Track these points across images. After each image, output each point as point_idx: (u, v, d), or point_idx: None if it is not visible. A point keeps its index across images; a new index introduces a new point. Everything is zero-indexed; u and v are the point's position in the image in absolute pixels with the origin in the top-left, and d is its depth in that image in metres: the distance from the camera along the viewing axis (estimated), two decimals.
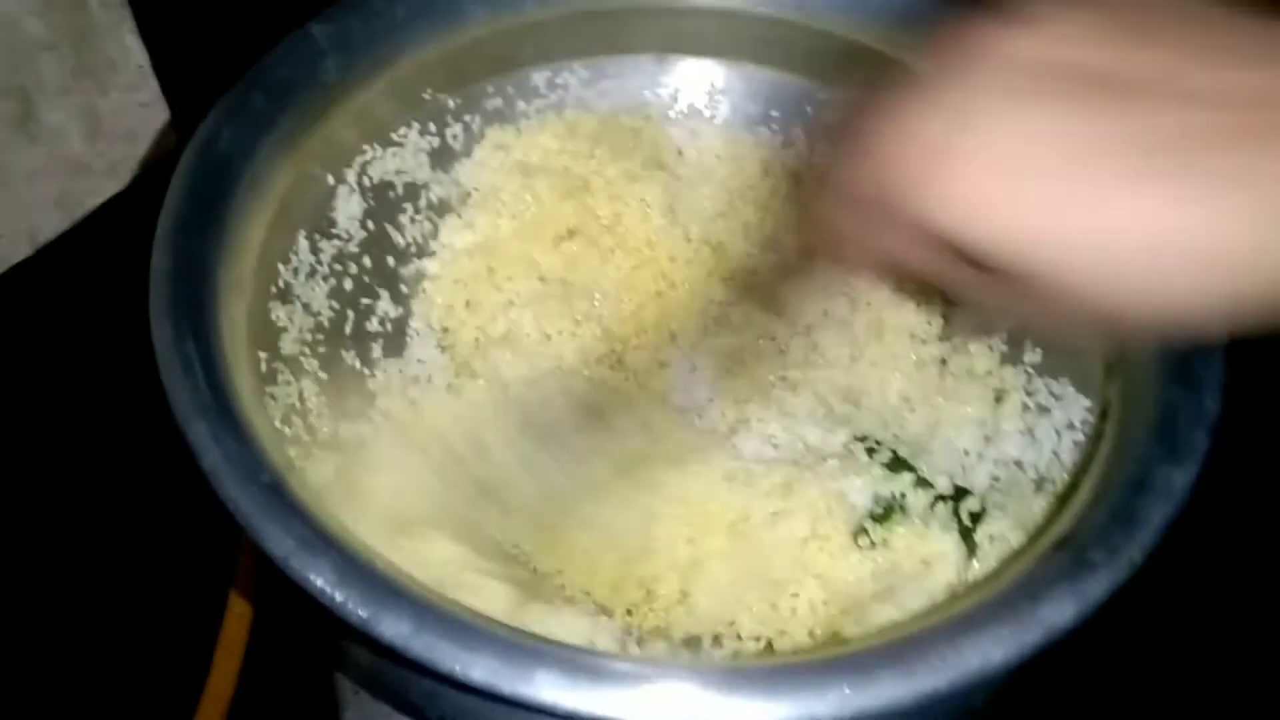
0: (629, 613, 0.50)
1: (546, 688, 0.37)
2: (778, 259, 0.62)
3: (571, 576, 0.50)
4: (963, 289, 0.36)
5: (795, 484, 0.52)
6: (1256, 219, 0.29)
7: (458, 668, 0.37)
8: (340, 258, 0.58)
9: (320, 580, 0.38)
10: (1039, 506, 0.49)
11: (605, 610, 0.49)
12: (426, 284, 0.61)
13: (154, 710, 0.55)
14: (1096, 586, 0.39)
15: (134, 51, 0.71)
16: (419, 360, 0.59)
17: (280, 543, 0.39)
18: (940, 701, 0.38)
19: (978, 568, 0.49)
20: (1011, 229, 0.31)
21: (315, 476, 0.48)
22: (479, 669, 0.37)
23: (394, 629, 0.38)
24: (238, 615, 0.53)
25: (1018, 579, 0.41)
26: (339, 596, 0.38)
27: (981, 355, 0.57)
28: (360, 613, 0.38)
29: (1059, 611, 0.39)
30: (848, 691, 0.37)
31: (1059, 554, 0.41)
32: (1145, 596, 0.43)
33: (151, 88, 0.73)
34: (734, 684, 0.37)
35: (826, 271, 0.50)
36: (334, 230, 0.58)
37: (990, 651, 0.38)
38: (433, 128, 0.62)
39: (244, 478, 0.41)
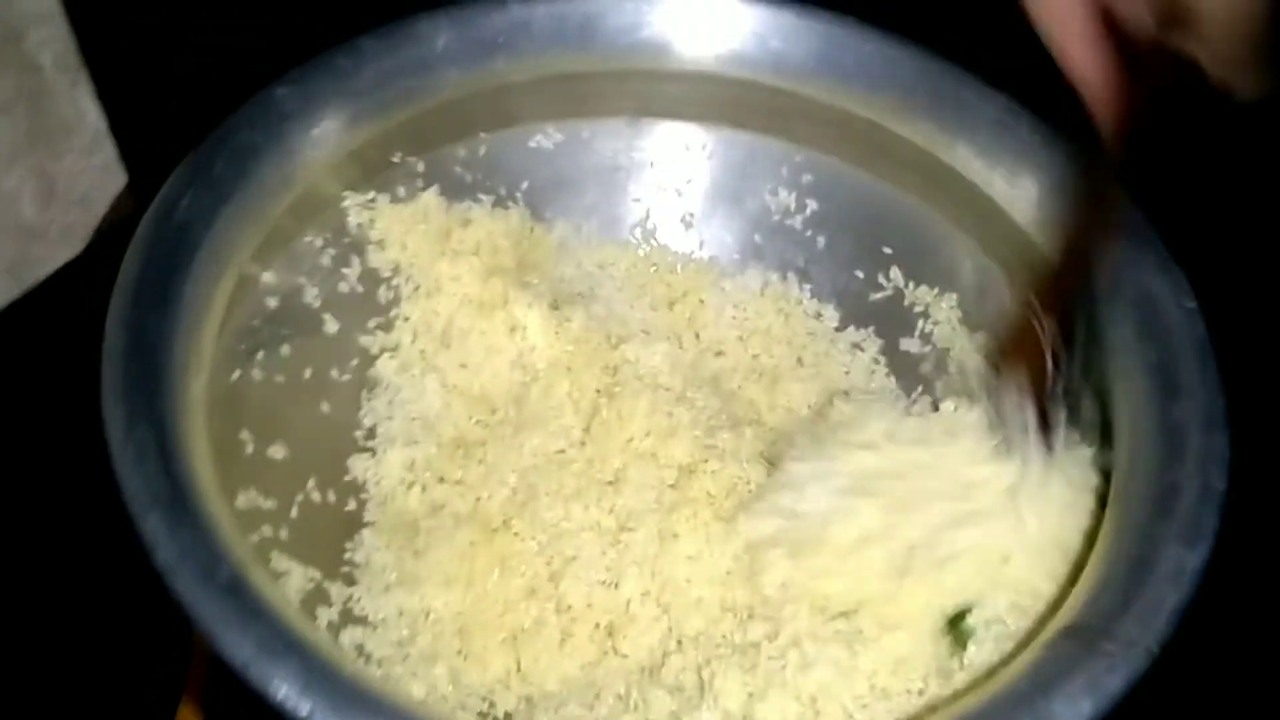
0: None
1: None
2: None
3: None
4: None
5: None
6: None
7: None
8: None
9: (284, 689, 0.35)
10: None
11: None
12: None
13: None
14: (1114, 680, 0.37)
15: (90, 114, 0.69)
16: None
17: (238, 647, 0.36)
18: None
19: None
20: None
21: None
22: None
23: None
24: None
25: (1028, 670, 0.38)
26: (304, 708, 0.35)
27: None
28: None
29: (1075, 708, 0.37)
30: None
31: (1069, 643, 0.39)
32: None
33: (108, 151, 0.70)
34: None
35: None
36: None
37: None
38: (401, 192, 0.60)
39: (200, 574, 0.38)
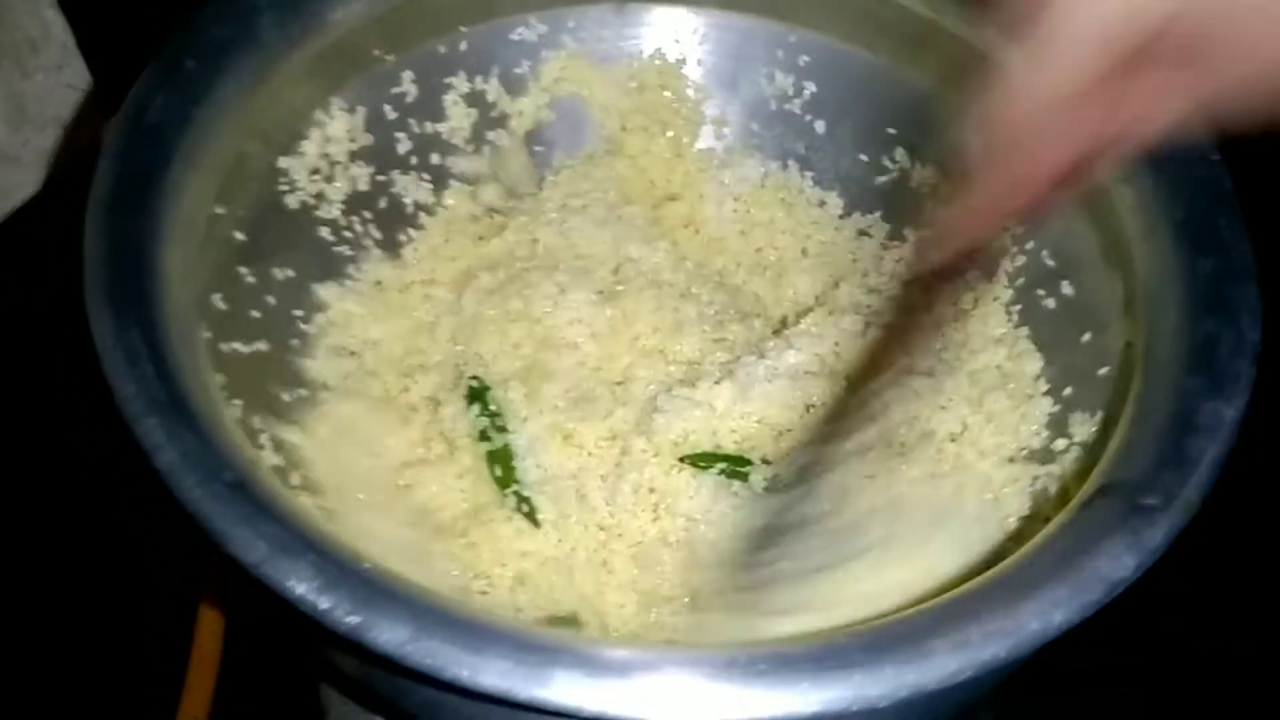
0: None
1: (566, 689, 0.33)
2: None
3: None
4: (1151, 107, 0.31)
5: None
6: None
7: (465, 674, 0.33)
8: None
9: (301, 586, 0.34)
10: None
11: None
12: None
13: None
14: (1155, 534, 0.36)
15: (56, 28, 0.65)
16: None
17: (252, 547, 0.35)
18: (995, 672, 0.35)
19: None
20: None
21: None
22: (490, 674, 0.33)
23: (390, 635, 0.33)
24: (210, 628, 0.49)
25: (1069, 530, 0.37)
26: (324, 603, 0.34)
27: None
28: (350, 620, 0.34)
29: (1119, 564, 0.36)
30: (899, 669, 0.33)
31: (1108, 501, 0.38)
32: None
33: (77, 67, 0.67)
34: (774, 669, 0.34)
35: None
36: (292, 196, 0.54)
37: (1050, 614, 0.35)
38: (385, 89, 0.58)
39: (205, 477, 0.36)
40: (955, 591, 0.36)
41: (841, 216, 0.63)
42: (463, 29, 0.60)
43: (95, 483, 0.56)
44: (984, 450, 0.51)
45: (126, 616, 0.53)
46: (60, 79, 0.67)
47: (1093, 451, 0.45)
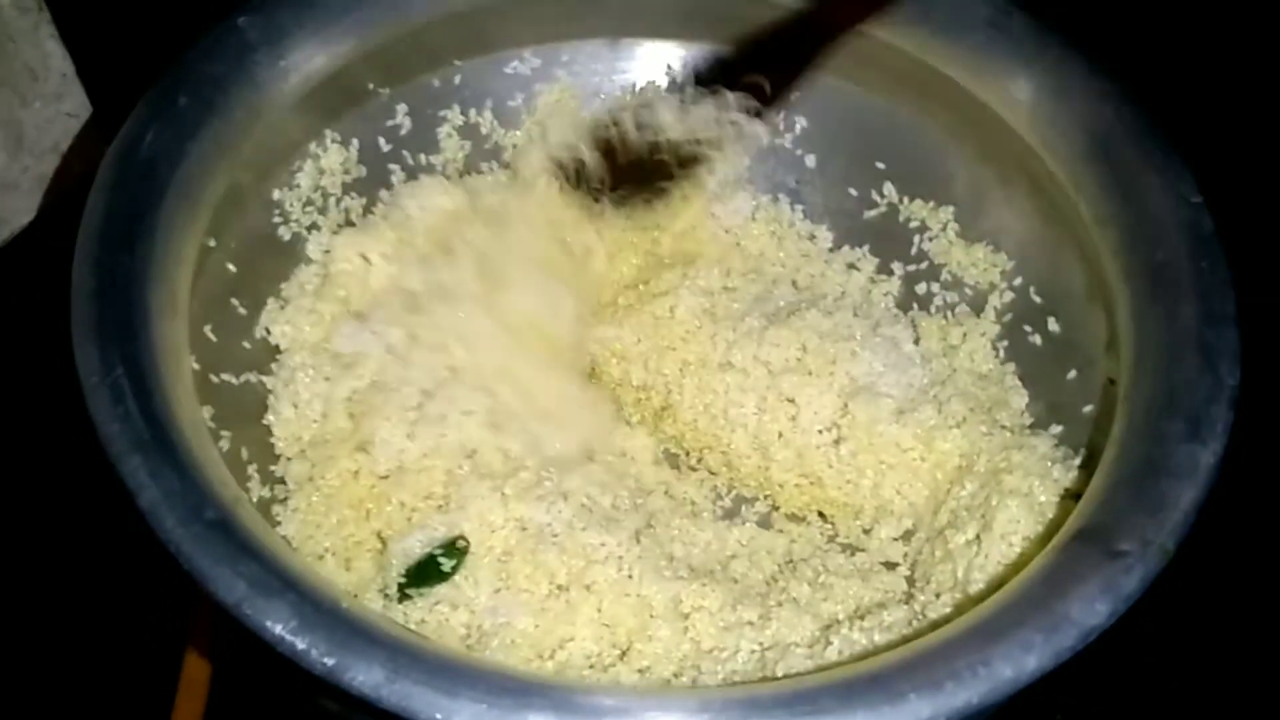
0: None
1: None
2: None
3: None
4: None
5: None
6: None
7: (439, 717, 0.33)
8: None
9: (279, 627, 0.34)
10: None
11: None
12: None
13: None
14: (1130, 581, 0.36)
15: (55, 58, 0.66)
16: None
17: (231, 587, 0.35)
18: (969, 717, 0.35)
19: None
20: None
21: None
22: (464, 717, 0.33)
23: (365, 677, 0.34)
24: (195, 674, 0.49)
25: (1043, 575, 0.37)
26: (301, 644, 0.34)
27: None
28: (326, 661, 0.34)
29: (1092, 611, 0.36)
30: (870, 715, 0.33)
31: (1084, 546, 0.38)
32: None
33: (77, 96, 0.68)
34: (745, 713, 0.34)
35: None
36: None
37: (1022, 660, 0.35)
38: (380, 122, 0.58)
39: (186, 516, 0.36)
40: (929, 636, 0.36)
41: (831, 250, 0.63)
42: (457, 62, 0.60)
43: (83, 517, 0.56)
44: None
45: (114, 655, 0.53)
46: (60, 108, 0.68)
47: (1075, 494, 0.45)
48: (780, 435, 0.55)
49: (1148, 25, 0.62)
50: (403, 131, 0.60)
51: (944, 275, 0.60)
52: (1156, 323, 0.45)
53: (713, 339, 0.57)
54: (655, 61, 0.63)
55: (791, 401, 0.55)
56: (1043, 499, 0.47)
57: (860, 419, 0.54)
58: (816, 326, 0.57)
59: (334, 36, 0.54)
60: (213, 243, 0.50)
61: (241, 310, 0.53)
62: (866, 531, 0.54)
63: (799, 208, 0.64)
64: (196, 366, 0.46)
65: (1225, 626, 0.54)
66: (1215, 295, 0.44)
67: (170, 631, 0.51)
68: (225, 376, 0.50)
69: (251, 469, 0.49)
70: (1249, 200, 0.51)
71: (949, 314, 0.60)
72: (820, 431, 0.54)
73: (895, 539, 0.53)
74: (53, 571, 0.55)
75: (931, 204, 0.61)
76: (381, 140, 0.59)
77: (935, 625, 0.39)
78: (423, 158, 0.61)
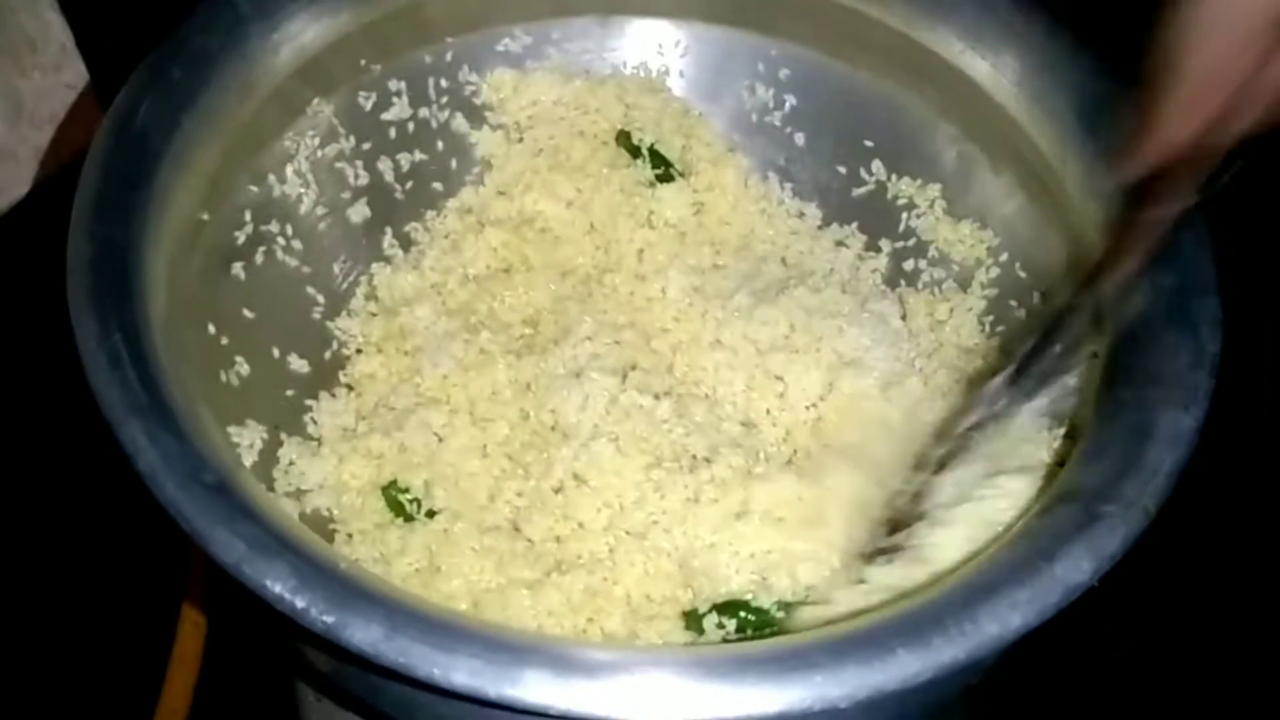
0: None
1: (535, 688, 0.34)
2: None
3: None
4: None
5: None
6: None
7: (436, 672, 0.34)
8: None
9: (278, 586, 0.35)
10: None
11: None
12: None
13: None
14: (1112, 541, 0.37)
15: (55, 28, 0.66)
16: None
17: (230, 547, 0.35)
18: (957, 673, 0.36)
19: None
20: None
21: None
22: (461, 672, 0.34)
23: (364, 634, 0.34)
24: (191, 626, 0.49)
25: (1028, 536, 0.38)
26: (300, 602, 0.34)
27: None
28: (325, 619, 0.34)
29: (1076, 569, 0.37)
30: (860, 670, 0.34)
31: (1068, 507, 0.39)
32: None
33: (76, 67, 0.68)
34: (739, 669, 0.35)
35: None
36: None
37: (1008, 617, 0.36)
38: (369, 98, 0.58)
39: (185, 479, 0.37)
40: (917, 597, 0.37)
41: (819, 227, 0.64)
42: (449, 39, 0.61)
43: (81, 482, 0.56)
44: None
45: (109, 614, 0.54)
46: (59, 78, 0.68)
47: (1058, 459, 0.46)
48: (768, 412, 0.56)
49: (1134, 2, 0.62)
50: (393, 106, 0.60)
51: (931, 252, 0.61)
52: (1139, 292, 0.46)
53: (703, 317, 0.58)
54: (646, 39, 0.64)
55: (779, 379, 0.56)
56: (1028, 468, 0.47)
57: (846, 393, 0.54)
58: (804, 303, 0.57)
59: (326, 11, 0.55)
60: (205, 215, 0.51)
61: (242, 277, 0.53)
62: None
63: (788, 185, 0.64)
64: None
65: (1206, 589, 0.56)
66: (1197, 265, 0.45)
67: (164, 590, 0.51)
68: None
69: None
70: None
71: (936, 290, 0.60)
72: (807, 407, 0.55)
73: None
74: (50, 537, 0.56)
75: (919, 181, 0.61)
76: (372, 114, 0.59)
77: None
78: (411, 132, 0.61)
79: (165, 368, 0.40)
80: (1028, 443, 0.47)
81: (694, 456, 0.51)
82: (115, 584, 0.55)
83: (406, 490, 0.50)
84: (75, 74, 0.68)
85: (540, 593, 0.45)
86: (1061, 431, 0.49)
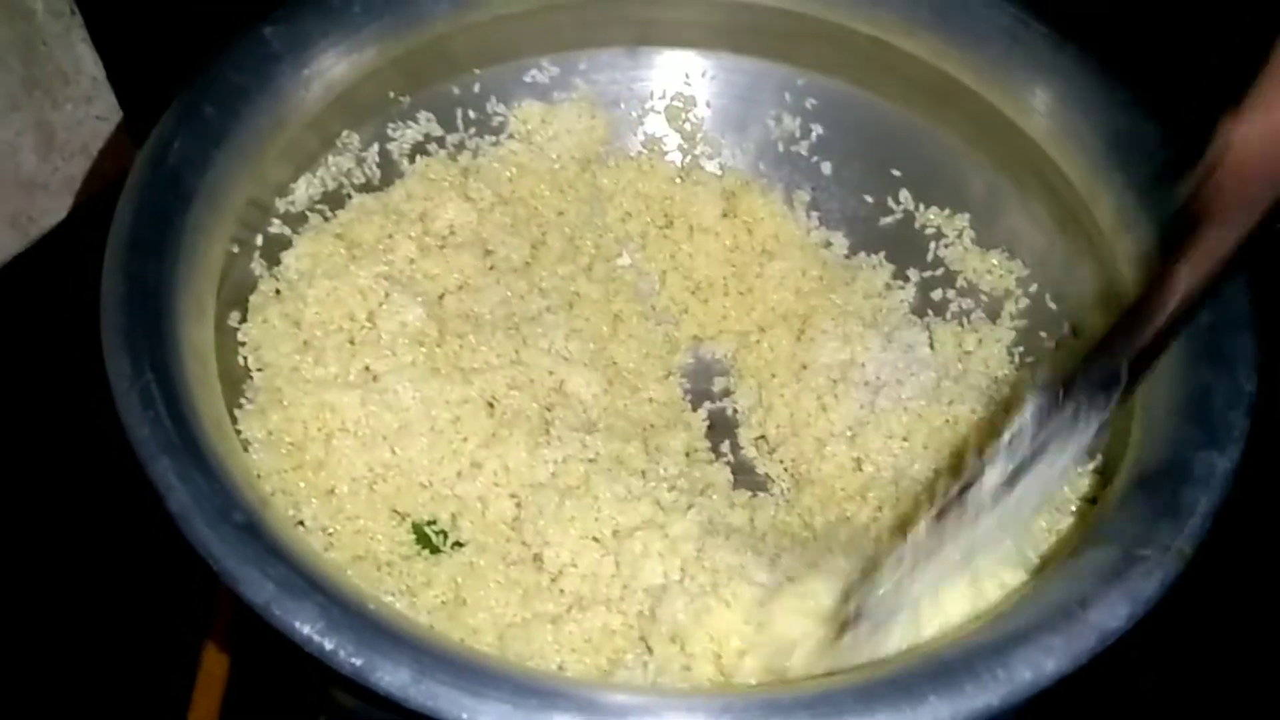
0: None
1: None
2: None
3: None
4: None
5: None
6: None
7: (465, 716, 0.34)
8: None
9: (307, 627, 0.35)
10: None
11: None
12: None
13: None
14: (1149, 586, 0.37)
15: (87, 61, 0.67)
16: None
17: (259, 588, 0.35)
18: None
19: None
20: None
21: None
22: (490, 717, 0.33)
23: (392, 677, 0.34)
24: (214, 664, 0.49)
25: (1064, 580, 0.38)
26: (329, 644, 0.35)
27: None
28: (354, 660, 0.34)
29: (1112, 614, 0.36)
30: (891, 715, 0.34)
31: (1103, 550, 0.38)
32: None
33: (107, 100, 0.69)
34: (767, 713, 0.34)
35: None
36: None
37: (1042, 663, 0.35)
38: (396, 131, 0.59)
39: (215, 518, 0.37)
40: (950, 639, 0.36)
41: (846, 256, 0.63)
42: (476, 71, 0.61)
43: (109, 515, 0.56)
44: None
45: (134, 651, 0.54)
46: (90, 110, 0.69)
47: (1091, 499, 0.45)
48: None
49: (1164, 34, 0.61)
50: (421, 138, 0.60)
51: (959, 282, 0.60)
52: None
53: None
54: (674, 70, 0.64)
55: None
56: (1059, 504, 0.47)
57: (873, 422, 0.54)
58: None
59: (356, 45, 0.55)
60: (236, 249, 0.51)
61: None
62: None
63: (814, 214, 0.64)
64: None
65: (1240, 631, 0.55)
66: (1231, 301, 0.45)
67: (190, 626, 0.51)
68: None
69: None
70: None
71: (964, 320, 0.60)
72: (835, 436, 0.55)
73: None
74: (77, 568, 0.56)
75: (947, 211, 0.61)
76: (400, 146, 0.60)
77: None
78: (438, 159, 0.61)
79: (197, 405, 0.41)
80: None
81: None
82: (140, 620, 0.55)
83: (434, 522, 0.50)
84: (106, 106, 0.69)
85: (562, 628, 0.45)
86: (1092, 467, 0.48)
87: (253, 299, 0.52)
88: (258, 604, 0.35)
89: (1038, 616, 0.37)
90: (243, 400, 0.48)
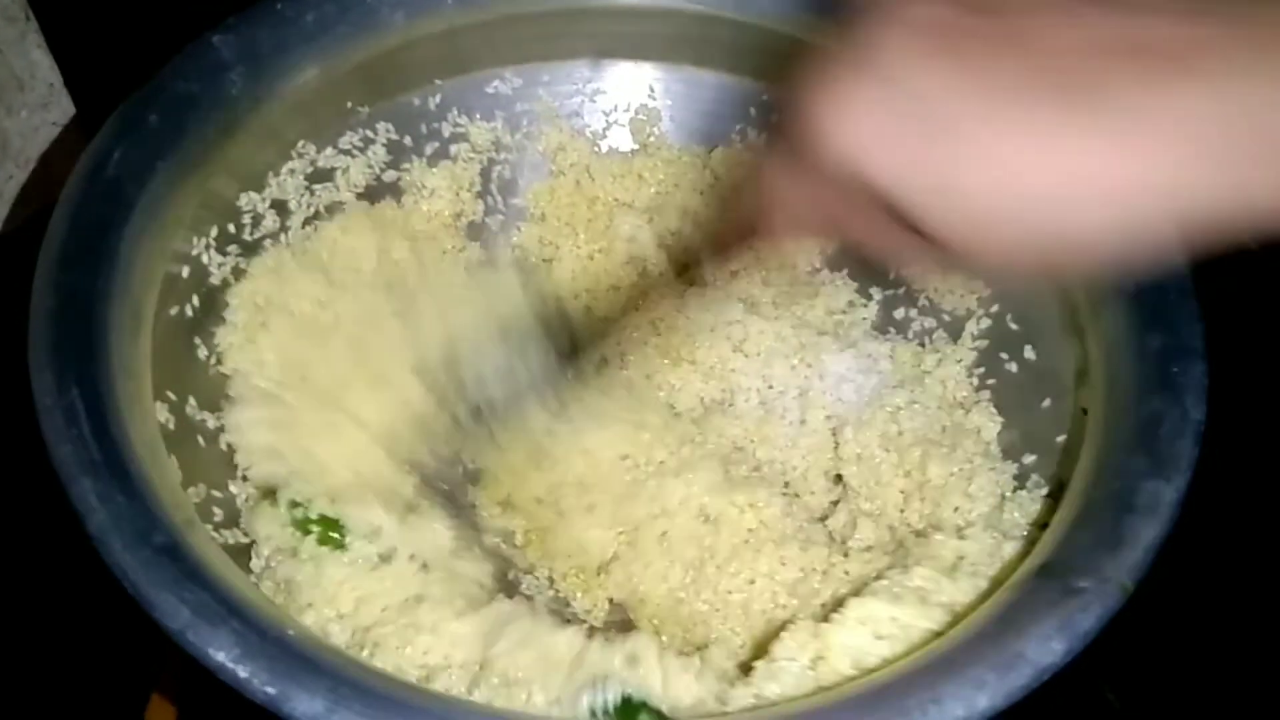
0: None
1: None
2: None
3: None
4: (892, 249, 0.34)
5: None
6: (1159, 159, 0.27)
7: None
8: None
9: (221, 654, 0.34)
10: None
11: None
12: None
13: None
14: (1087, 619, 0.36)
15: (43, 67, 0.66)
16: None
17: (175, 613, 0.35)
18: None
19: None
20: (913, 170, 0.30)
21: None
22: None
23: (306, 707, 0.33)
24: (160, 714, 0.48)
25: (999, 612, 0.37)
26: (243, 672, 0.34)
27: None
28: (268, 690, 0.34)
29: (1047, 649, 0.35)
30: None
31: (1042, 582, 0.38)
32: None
33: (64, 106, 0.68)
34: None
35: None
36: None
37: (974, 698, 0.34)
38: (353, 141, 0.58)
39: (134, 540, 0.36)
40: (880, 673, 0.35)
41: (810, 273, 0.63)
42: (438, 81, 0.60)
43: (54, 548, 0.54)
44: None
45: (78, 702, 0.52)
46: (46, 117, 0.68)
47: (1042, 524, 0.44)
48: None
49: None
50: (381, 149, 0.60)
51: (921, 301, 0.60)
52: (1126, 354, 0.45)
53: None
54: (638, 83, 0.63)
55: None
56: (1008, 528, 0.46)
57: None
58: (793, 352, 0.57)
59: (310, 55, 0.54)
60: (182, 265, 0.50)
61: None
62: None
63: None
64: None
65: (1189, 662, 0.54)
66: (1183, 328, 0.44)
67: (136, 677, 0.50)
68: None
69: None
70: None
71: (926, 340, 0.59)
72: None
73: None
74: (18, 610, 0.54)
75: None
76: (359, 157, 0.59)
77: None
78: (401, 174, 0.61)
79: (126, 424, 0.40)
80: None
81: None
82: (84, 672, 0.52)
83: None
84: (62, 113, 0.68)
85: None
86: (1043, 493, 0.47)
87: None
88: (173, 630, 0.35)
89: (972, 649, 0.36)
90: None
